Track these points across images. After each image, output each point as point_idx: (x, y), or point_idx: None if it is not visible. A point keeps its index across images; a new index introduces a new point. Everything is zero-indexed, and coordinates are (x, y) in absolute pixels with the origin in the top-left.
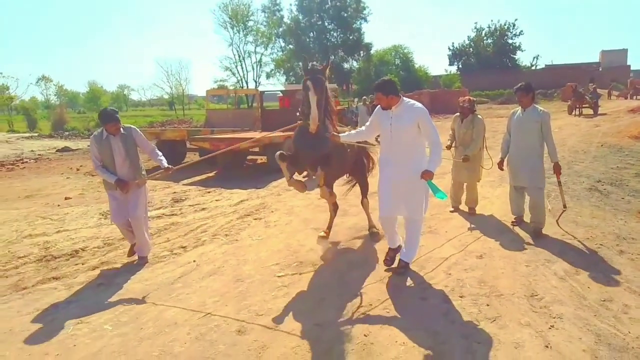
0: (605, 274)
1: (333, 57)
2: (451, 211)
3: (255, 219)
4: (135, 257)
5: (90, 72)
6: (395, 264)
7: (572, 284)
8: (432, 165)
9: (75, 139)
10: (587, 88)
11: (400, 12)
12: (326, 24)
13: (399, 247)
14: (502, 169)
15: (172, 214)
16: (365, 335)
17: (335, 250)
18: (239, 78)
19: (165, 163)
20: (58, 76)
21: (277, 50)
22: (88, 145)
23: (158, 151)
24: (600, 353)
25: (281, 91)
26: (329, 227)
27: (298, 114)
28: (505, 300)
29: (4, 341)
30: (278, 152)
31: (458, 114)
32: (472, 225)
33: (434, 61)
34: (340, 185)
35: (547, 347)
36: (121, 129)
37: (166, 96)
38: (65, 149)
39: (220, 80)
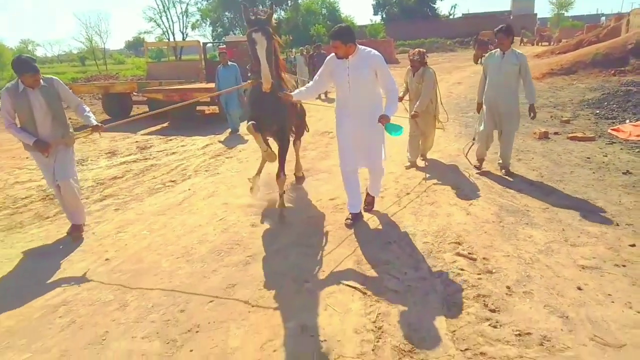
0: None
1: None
2: (407, 167)
3: (227, 158)
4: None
5: None
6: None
7: (484, 180)
8: (389, 110)
9: None
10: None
11: None
12: None
13: (360, 213)
14: (479, 112)
15: (146, 158)
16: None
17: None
18: (165, 29)
19: (93, 120)
20: None
21: (202, 0)
22: None
23: (85, 106)
24: (502, 214)
25: (223, 42)
26: (259, 172)
27: (248, 72)
28: (438, 193)
29: (66, 245)
30: (250, 123)
31: (410, 67)
32: (431, 182)
33: (359, 11)
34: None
35: (467, 214)
36: (41, 81)
37: (75, 51)
38: None
39: (145, 32)
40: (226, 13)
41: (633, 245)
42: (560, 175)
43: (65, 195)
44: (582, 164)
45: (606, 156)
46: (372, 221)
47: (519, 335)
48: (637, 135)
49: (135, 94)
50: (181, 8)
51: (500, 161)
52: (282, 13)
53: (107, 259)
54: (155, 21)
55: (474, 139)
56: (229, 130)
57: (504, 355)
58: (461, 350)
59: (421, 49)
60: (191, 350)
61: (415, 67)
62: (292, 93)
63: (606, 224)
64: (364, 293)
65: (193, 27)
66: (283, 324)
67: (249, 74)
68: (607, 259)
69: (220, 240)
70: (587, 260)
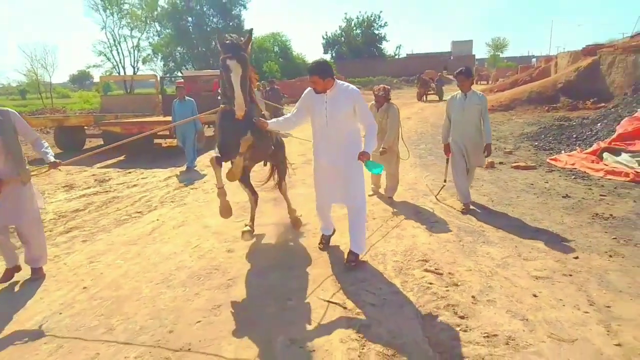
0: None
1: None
2: (370, 195)
3: (192, 189)
4: (11, 279)
5: None
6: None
7: (441, 205)
8: (369, 146)
9: None
10: (441, 75)
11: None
12: (205, 9)
13: (333, 231)
14: (448, 155)
15: (106, 191)
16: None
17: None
18: (115, 63)
19: (51, 157)
20: None
21: (154, 35)
22: None
23: (43, 141)
24: (461, 234)
25: (181, 76)
26: (252, 219)
27: (219, 97)
28: (402, 217)
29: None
30: (213, 156)
31: (373, 102)
32: (395, 210)
33: (310, 49)
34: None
35: (430, 235)
36: None
37: (14, 84)
38: None
39: (94, 66)
40: (178, 48)
41: (577, 258)
42: (508, 200)
43: (26, 237)
44: (526, 189)
45: (547, 182)
46: (345, 244)
47: (487, 337)
48: (572, 164)
49: (87, 127)
50: (132, 42)
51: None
52: None
53: (84, 287)
54: (105, 55)
55: (445, 181)
56: (184, 166)
57: (476, 354)
58: (439, 353)
59: (386, 86)
60: None
61: (380, 102)
62: (269, 122)
63: (552, 241)
64: (344, 307)
65: (144, 62)
66: (272, 338)
67: (219, 98)
68: (556, 270)
69: (198, 266)
70: (539, 272)
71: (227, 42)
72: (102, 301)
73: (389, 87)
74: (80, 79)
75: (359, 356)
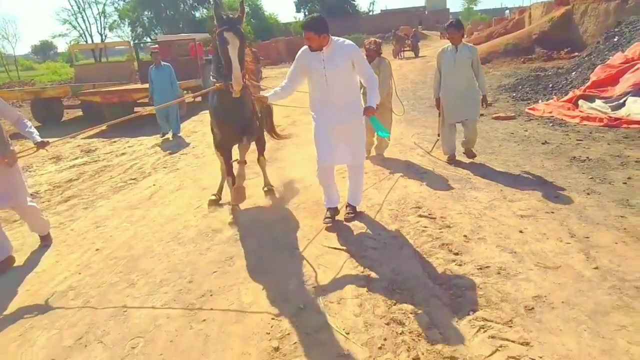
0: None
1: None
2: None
3: (182, 154)
4: (14, 263)
5: None
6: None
7: (429, 158)
8: (372, 100)
9: None
10: (416, 30)
11: None
12: None
13: (336, 207)
14: (439, 108)
15: (95, 161)
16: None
17: None
18: (81, 31)
19: (37, 136)
20: None
21: (120, 0)
22: None
23: (26, 120)
24: (449, 182)
25: (156, 42)
26: (220, 190)
27: (212, 77)
28: (393, 170)
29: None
30: (219, 147)
31: (365, 56)
32: (385, 164)
33: (282, 9)
34: None
35: (421, 185)
36: None
37: None
38: None
39: (59, 35)
40: (145, 12)
41: (557, 197)
42: (491, 149)
43: (23, 216)
44: (507, 138)
45: (527, 131)
46: (342, 197)
47: (480, 268)
48: (549, 112)
49: (64, 99)
50: (97, 9)
51: (465, 144)
52: (205, 11)
53: (97, 249)
54: (70, 23)
55: (438, 135)
56: (170, 133)
57: (472, 283)
58: (438, 284)
59: (377, 39)
60: (211, 309)
61: (371, 56)
62: (267, 94)
63: (535, 184)
64: (348, 252)
65: (111, 29)
66: (286, 282)
67: (212, 76)
68: (539, 208)
69: (204, 224)
70: (524, 211)
71: (224, 15)
72: (118, 260)
73: (380, 41)
74: (44, 50)
75: (366, 290)
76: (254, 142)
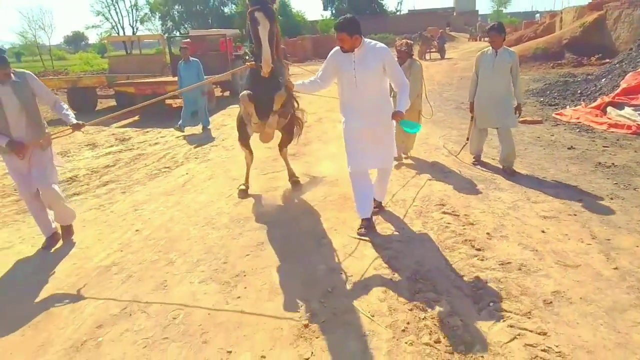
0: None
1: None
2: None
3: (213, 146)
4: (58, 244)
5: None
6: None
7: (453, 158)
8: (402, 105)
9: None
10: (443, 32)
11: None
12: None
13: (371, 218)
14: (472, 112)
15: (130, 149)
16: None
17: None
18: (113, 24)
19: (73, 118)
20: None
21: None
22: None
23: (63, 103)
24: (474, 182)
25: (188, 36)
26: (247, 179)
27: (246, 54)
28: (419, 168)
29: (87, 223)
30: (245, 93)
31: (396, 58)
32: (411, 162)
33: (310, 7)
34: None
35: (446, 183)
36: (12, 75)
37: (7, 46)
38: None
39: (92, 27)
40: (176, 7)
41: (581, 200)
42: (517, 152)
43: (48, 202)
44: (533, 142)
45: (553, 136)
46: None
47: (502, 264)
48: (577, 118)
49: (99, 88)
50: (130, 1)
51: (504, 162)
52: (234, 7)
53: (137, 230)
54: (103, 15)
55: (467, 139)
56: (201, 126)
57: (493, 277)
58: (459, 277)
59: (408, 40)
60: (245, 287)
61: (403, 58)
62: (295, 83)
63: (559, 187)
64: (373, 243)
65: (142, 22)
66: (314, 267)
67: (246, 58)
68: (562, 210)
69: (236, 212)
70: (547, 212)
71: None
72: (157, 241)
73: (412, 42)
74: (75, 41)
75: (391, 279)
76: (280, 131)
